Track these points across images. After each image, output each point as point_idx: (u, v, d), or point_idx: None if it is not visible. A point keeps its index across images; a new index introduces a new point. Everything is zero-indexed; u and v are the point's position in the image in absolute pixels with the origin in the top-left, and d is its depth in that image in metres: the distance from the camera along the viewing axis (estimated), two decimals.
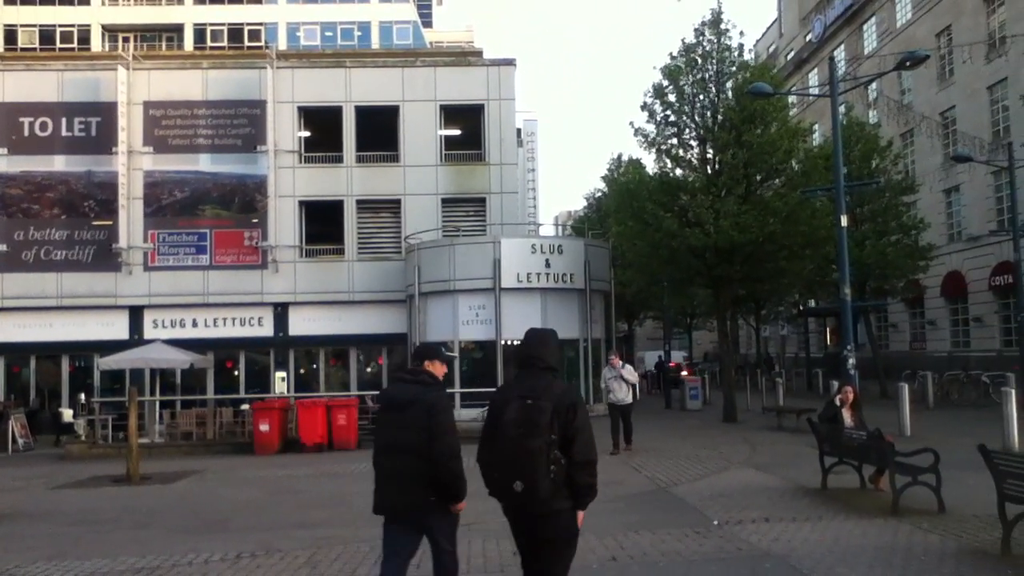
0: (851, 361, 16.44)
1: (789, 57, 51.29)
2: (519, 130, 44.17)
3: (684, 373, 31.69)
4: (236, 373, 27.98)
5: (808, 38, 47.68)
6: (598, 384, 24.74)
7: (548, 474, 4.40)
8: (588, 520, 5.86)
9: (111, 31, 53.41)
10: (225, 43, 52.57)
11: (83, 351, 27.39)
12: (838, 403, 11.55)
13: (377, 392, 4.72)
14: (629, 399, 16.04)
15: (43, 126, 27.69)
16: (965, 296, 32.56)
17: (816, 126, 41.53)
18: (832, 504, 9.89)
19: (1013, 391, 14.63)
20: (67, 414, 24.41)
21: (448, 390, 22.44)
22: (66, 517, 11.39)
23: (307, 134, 28.72)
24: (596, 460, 4.58)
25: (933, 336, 35.09)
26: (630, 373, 16.16)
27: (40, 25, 52.49)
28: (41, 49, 50.72)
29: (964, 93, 32.60)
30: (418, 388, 5.31)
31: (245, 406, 21.77)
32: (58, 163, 27.67)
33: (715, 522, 9.06)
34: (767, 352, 46.21)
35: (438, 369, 5.54)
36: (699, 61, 22.19)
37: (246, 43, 51.98)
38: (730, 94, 21.95)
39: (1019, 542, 7.36)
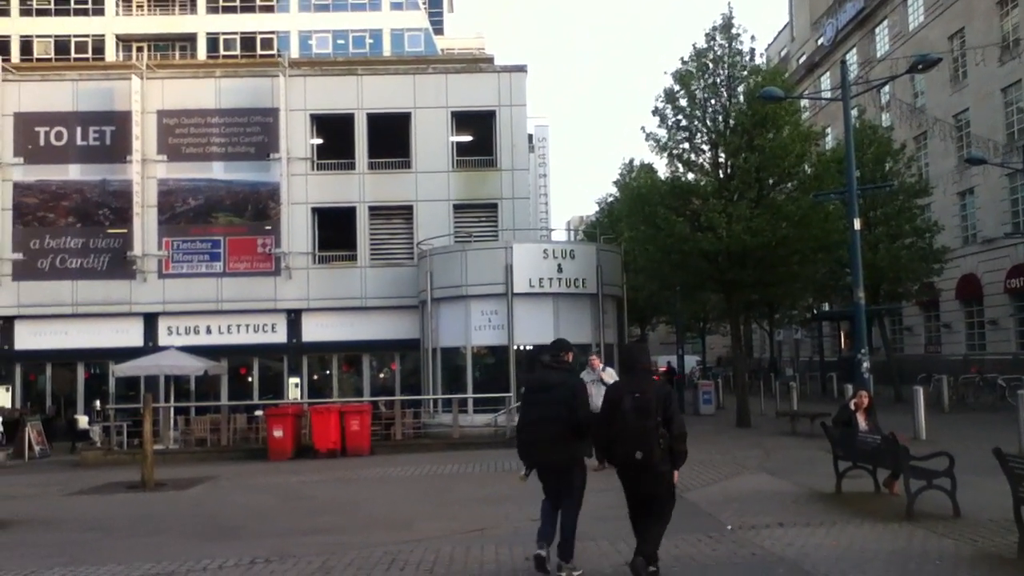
0: (865, 365, 16.39)
1: (801, 61, 51.17)
2: (530, 136, 44.26)
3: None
4: (250, 379, 28.07)
5: (820, 42, 47.55)
6: None
7: (659, 445, 6.42)
8: (601, 525, 7.61)
9: (125, 41, 53.82)
10: (238, 52, 52.87)
11: (98, 358, 27.55)
12: (852, 407, 11.51)
13: (526, 382, 5.92)
14: None
15: (58, 135, 27.91)
16: (980, 299, 32.35)
17: (828, 130, 41.40)
18: (846, 509, 9.84)
19: None
20: (82, 421, 24.58)
21: (460, 396, 22.61)
22: (81, 523, 11.46)
23: (319, 141, 28.83)
24: (687, 434, 6.65)
25: (948, 339, 34.87)
26: (612, 377, 14.01)
27: (55, 36, 52.94)
28: (56, 59, 51.16)
29: (977, 95, 32.44)
30: (561, 374, 7.27)
31: (259, 412, 21.86)
32: (73, 172, 27.86)
33: (729, 527, 9.03)
34: (772, 356, 45.99)
35: (569, 358, 7.48)
36: (710, 66, 22.17)
37: (258, 51, 52.27)
38: (742, 98, 21.92)
39: None
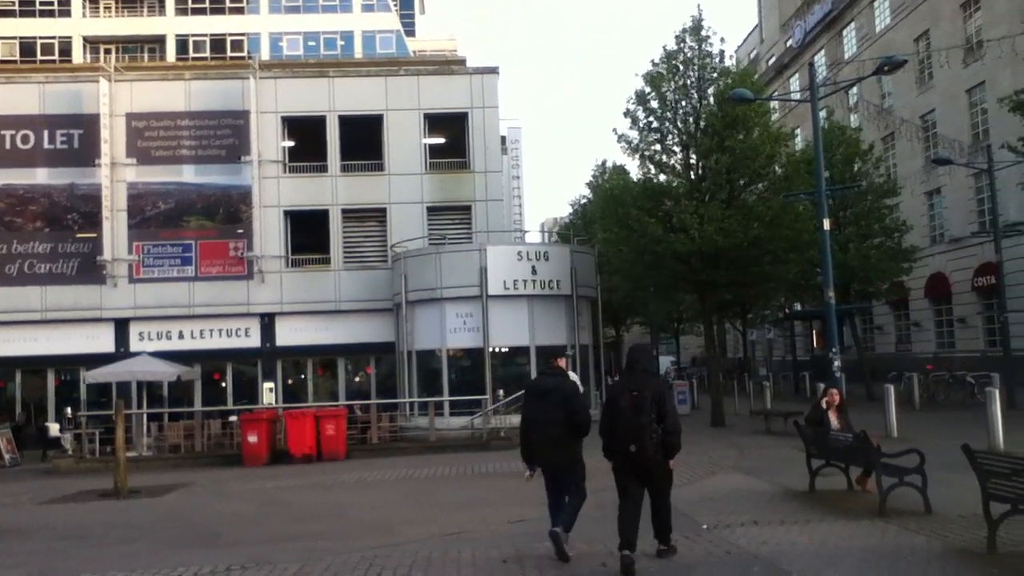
0: (837, 363, 16.57)
1: (770, 63, 51.64)
2: (503, 138, 44.28)
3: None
4: (223, 385, 27.86)
5: (788, 44, 48.03)
6: (586, 391, 24.80)
7: (651, 439, 7.09)
8: (577, 527, 7.81)
9: (92, 43, 53.18)
10: (208, 54, 52.46)
11: (69, 365, 27.22)
12: (824, 406, 11.64)
13: (524, 386, 6.50)
14: None
15: (24, 139, 27.53)
16: (949, 297, 32.84)
17: (798, 131, 41.81)
18: (820, 506, 9.96)
19: (997, 391, 14.77)
20: (53, 428, 24.24)
21: (437, 398, 22.58)
22: (54, 532, 11.32)
23: (291, 144, 28.69)
24: (681, 430, 7.40)
25: (918, 337, 35.35)
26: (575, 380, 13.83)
27: (20, 37, 52.20)
28: (22, 61, 50.47)
29: (943, 97, 32.93)
30: (556, 379, 7.91)
31: (233, 418, 21.71)
32: (40, 176, 27.51)
33: (704, 526, 9.11)
34: (745, 356, 46.36)
35: (563, 363, 8.18)
36: (681, 68, 22.33)
37: (229, 53, 51.89)
38: (712, 100, 22.09)
39: (1004, 541, 7.44)
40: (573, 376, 12.94)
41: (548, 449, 7.68)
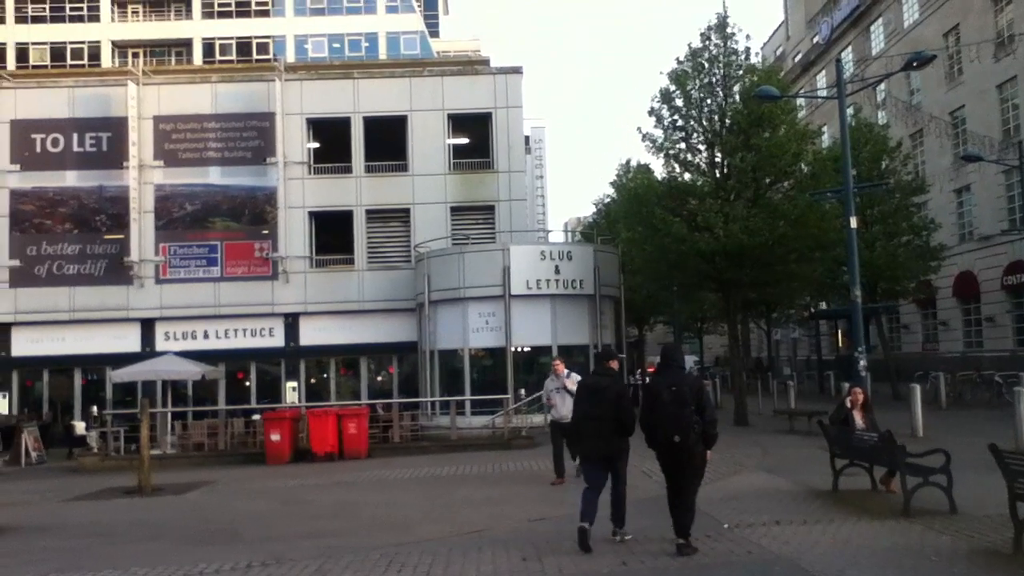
0: (862, 363, 16.38)
1: (796, 60, 51.20)
2: (527, 137, 44.20)
3: None
4: (247, 384, 28.07)
5: (815, 40, 47.57)
6: None
7: (694, 430, 7.62)
8: (597, 525, 8.01)
9: (121, 47, 53.87)
10: (234, 56, 52.95)
11: (95, 364, 27.55)
12: (848, 405, 11.50)
13: (583, 380, 8.70)
14: None
15: (55, 142, 27.91)
16: (977, 296, 32.36)
17: (824, 128, 41.42)
18: (843, 506, 9.83)
19: None
20: (79, 427, 24.53)
21: (458, 398, 22.59)
22: (78, 529, 11.44)
23: (316, 145, 28.84)
24: (718, 420, 8.04)
25: (945, 337, 34.87)
26: (575, 383, 11.62)
27: (51, 43, 53.02)
28: (52, 66, 51.20)
29: (973, 92, 32.45)
30: (607, 379, 8.55)
31: (256, 416, 21.82)
32: (70, 178, 27.88)
33: (726, 525, 9.03)
34: (769, 355, 45.98)
35: (615, 365, 8.85)
36: (706, 65, 22.15)
37: (255, 56, 52.34)
38: (737, 98, 21.90)
39: None
40: (576, 377, 12.30)
41: (598, 441, 8.30)
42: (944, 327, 34.90)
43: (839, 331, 41.05)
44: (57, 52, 52.92)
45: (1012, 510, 7.27)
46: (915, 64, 16.50)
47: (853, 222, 17.06)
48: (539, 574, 7.44)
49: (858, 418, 11.30)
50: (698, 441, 7.67)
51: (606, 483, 8.35)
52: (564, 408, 12.50)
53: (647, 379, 9.62)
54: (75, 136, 27.97)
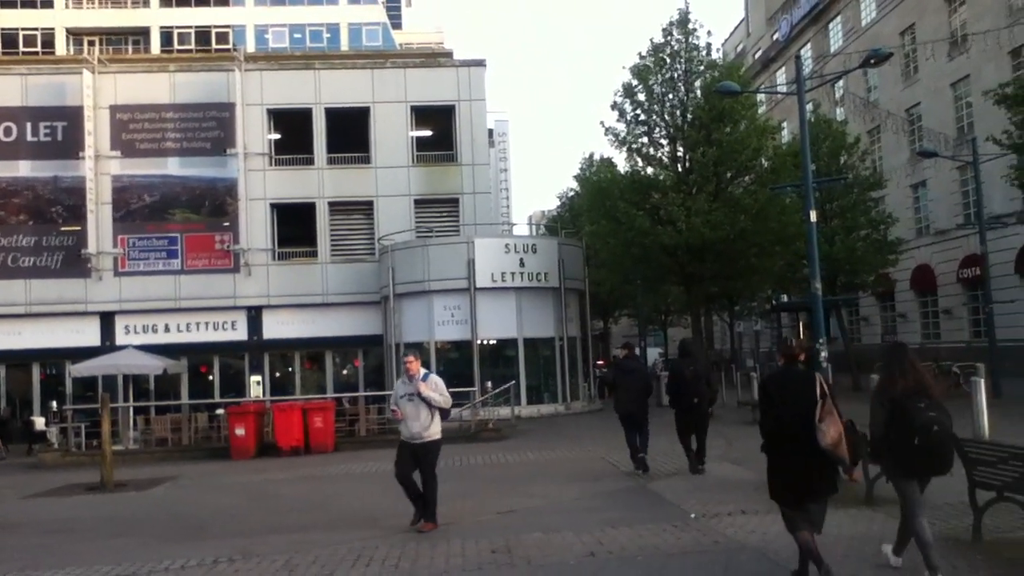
0: (823, 355, 16.62)
1: (757, 56, 51.74)
2: (490, 130, 44.20)
3: None
4: (210, 378, 27.77)
5: (775, 37, 48.12)
6: (574, 383, 24.82)
7: (707, 396, 12.11)
8: (566, 517, 8.16)
9: (76, 34, 52.69)
10: (192, 46, 52.06)
11: (54, 359, 27.06)
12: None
13: (615, 364, 14.10)
14: (432, 434, 9.12)
15: (7, 131, 27.31)
16: (934, 289, 33.03)
17: (784, 124, 41.92)
18: None
19: (983, 381, 14.88)
20: (39, 422, 24.06)
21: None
22: (40, 526, 11.25)
23: (277, 136, 28.56)
24: (718, 389, 14.29)
25: (904, 329, 35.55)
26: (437, 389, 9.11)
27: (2, 29, 51.67)
28: (4, 53, 49.91)
29: (929, 90, 33.08)
30: (635, 363, 13.34)
31: (220, 411, 21.61)
32: (24, 168, 27.30)
33: (692, 515, 9.14)
34: (716, 351, 46.46)
35: (636, 351, 13.58)
36: (668, 60, 22.37)
37: (214, 46, 51.52)
38: (699, 93, 22.15)
39: (989, 528, 7.50)
40: (437, 382, 9.30)
41: (632, 407, 12.35)
42: (903, 319, 35.58)
43: (800, 323, 41.62)
44: (9, 39, 51.58)
45: (971, 497, 7.46)
46: (872, 61, 16.73)
47: (813, 216, 17.28)
48: (507, 566, 7.47)
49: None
50: (706, 402, 12.01)
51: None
52: (415, 423, 9.03)
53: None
54: (29, 125, 27.39)
